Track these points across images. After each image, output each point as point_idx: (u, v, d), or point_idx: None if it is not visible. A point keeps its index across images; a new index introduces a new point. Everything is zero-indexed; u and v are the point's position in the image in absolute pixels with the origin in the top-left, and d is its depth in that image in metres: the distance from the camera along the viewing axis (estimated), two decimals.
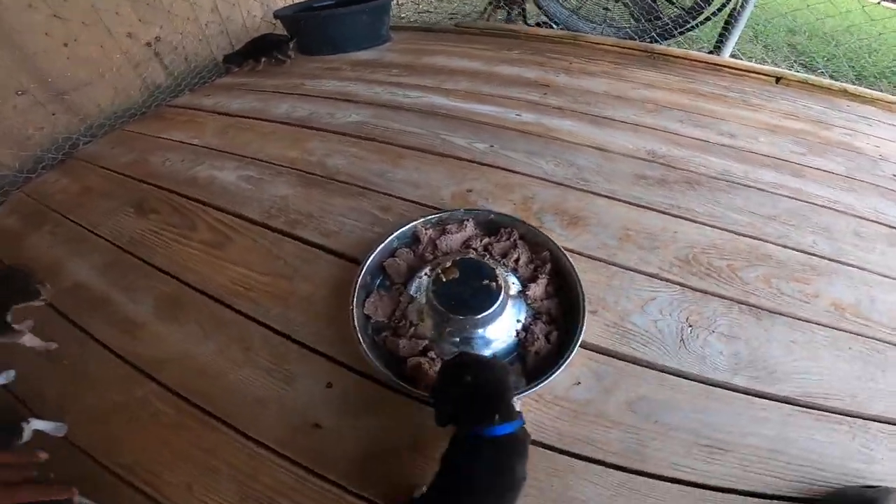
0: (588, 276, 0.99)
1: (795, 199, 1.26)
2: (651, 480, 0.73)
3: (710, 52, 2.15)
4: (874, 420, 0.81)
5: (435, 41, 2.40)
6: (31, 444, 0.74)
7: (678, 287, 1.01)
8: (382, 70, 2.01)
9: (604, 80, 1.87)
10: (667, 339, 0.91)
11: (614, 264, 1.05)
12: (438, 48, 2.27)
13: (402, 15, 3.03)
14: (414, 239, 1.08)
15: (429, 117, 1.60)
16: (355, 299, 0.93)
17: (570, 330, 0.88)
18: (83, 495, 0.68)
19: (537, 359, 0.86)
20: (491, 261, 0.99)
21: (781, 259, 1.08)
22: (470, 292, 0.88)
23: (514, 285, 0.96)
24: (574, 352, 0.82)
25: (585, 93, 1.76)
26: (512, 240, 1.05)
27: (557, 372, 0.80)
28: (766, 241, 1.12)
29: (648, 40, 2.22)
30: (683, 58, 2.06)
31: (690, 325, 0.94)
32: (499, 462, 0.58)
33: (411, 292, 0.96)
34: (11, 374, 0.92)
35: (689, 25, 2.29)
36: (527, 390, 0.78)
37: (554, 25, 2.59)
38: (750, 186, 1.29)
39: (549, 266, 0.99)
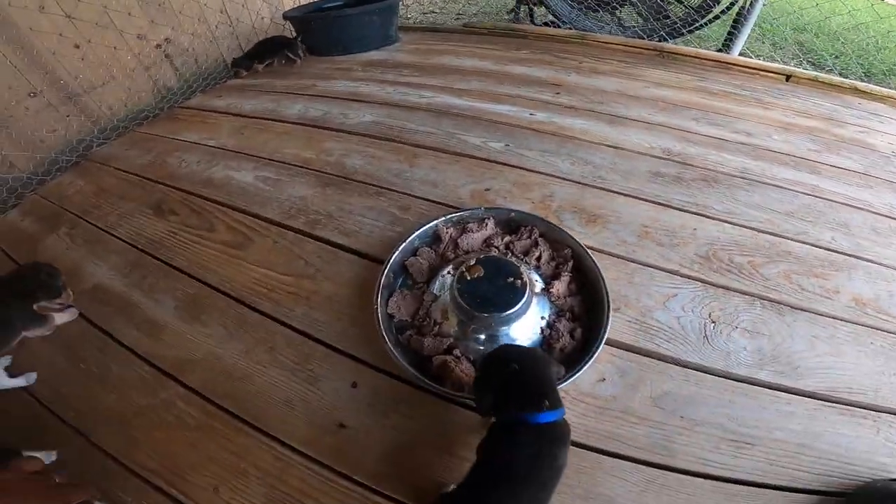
0: (609, 273, 0.99)
1: (813, 195, 1.26)
2: (681, 476, 0.73)
3: (720, 51, 2.15)
4: None
5: (443, 41, 2.41)
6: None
7: (699, 283, 1.01)
8: (393, 70, 2.02)
9: (614, 79, 1.87)
10: (690, 334, 0.92)
11: (634, 261, 1.06)
12: (447, 48, 2.28)
13: (409, 16, 3.03)
14: (435, 238, 1.08)
15: (442, 117, 1.61)
16: (379, 298, 0.93)
17: (593, 327, 0.89)
18: (105, 499, 0.68)
19: (562, 356, 0.86)
20: (513, 259, 1.00)
21: (801, 255, 1.08)
22: (494, 290, 0.88)
23: (538, 283, 0.96)
24: (600, 348, 0.83)
25: (597, 92, 1.77)
26: (533, 238, 1.06)
27: (584, 368, 0.80)
28: (786, 238, 1.12)
29: (657, 39, 2.22)
30: (693, 56, 2.06)
31: (713, 321, 0.94)
32: (542, 449, 0.58)
33: (434, 291, 0.96)
34: (33, 376, 0.92)
35: (697, 24, 2.29)
36: None
37: (561, 25, 2.60)
38: (767, 184, 1.29)
39: (570, 263, 1.00)
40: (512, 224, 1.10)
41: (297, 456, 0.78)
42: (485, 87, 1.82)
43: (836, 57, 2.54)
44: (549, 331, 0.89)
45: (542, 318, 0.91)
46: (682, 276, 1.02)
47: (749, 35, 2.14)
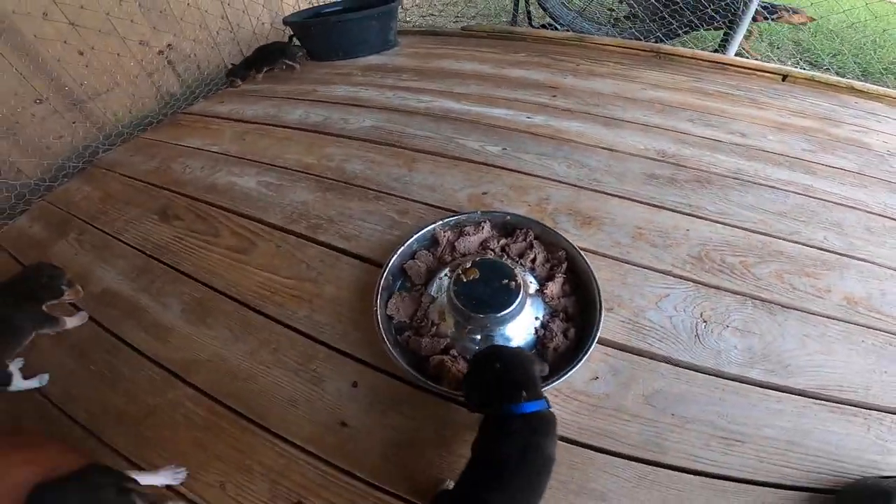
0: (603, 274, 1.01)
1: (806, 195, 1.27)
2: (672, 472, 0.75)
3: (716, 51, 2.17)
4: (889, 412, 0.83)
5: (442, 45, 2.43)
6: None
7: (691, 283, 1.03)
8: (392, 74, 2.04)
9: (611, 81, 1.89)
10: (682, 334, 0.94)
11: (628, 262, 1.08)
12: (446, 52, 2.30)
13: (408, 19, 3.06)
14: (433, 241, 1.11)
15: (441, 121, 1.63)
16: (378, 301, 0.96)
17: (586, 327, 0.91)
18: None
19: (556, 355, 0.89)
20: (509, 261, 1.02)
21: (793, 255, 1.10)
22: (489, 292, 0.91)
23: (532, 284, 0.98)
24: (592, 347, 0.85)
25: (594, 94, 1.79)
26: (528, 240, 1.08)
27: (576, 367, 0.82)
28: (778, 238, 1.14)
29: (653, 40, 2.24)
30: (690, 57, 2.07)
31: (705, 321, 0.96)
32: (526, 438, 0.62)
33: (432, 293, 0.99)
34: (45, 377, 0.95)
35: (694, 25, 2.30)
36: (545, 385, 0.80)
37: (558, 27, 2.61)
38: (761, 184, 1.31)
39: (564, 265, 1.02)
40: (508, 227, 1.13)
41: (300, 453, 0.81)
42: (483, 90, 1.84)
43: (833, 56, 2.54)
44: (543, 331, 0.92)
45: (537, 318, 0.93)
46: (674, 276, 1.04)
47: (745, 34, 2.15)
